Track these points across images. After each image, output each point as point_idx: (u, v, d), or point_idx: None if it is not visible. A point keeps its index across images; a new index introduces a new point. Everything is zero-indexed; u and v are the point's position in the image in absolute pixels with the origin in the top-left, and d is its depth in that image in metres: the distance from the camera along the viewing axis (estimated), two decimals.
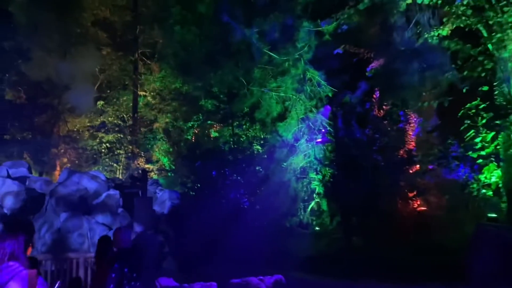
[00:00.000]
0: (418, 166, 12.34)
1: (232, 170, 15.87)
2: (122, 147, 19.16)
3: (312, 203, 14.80)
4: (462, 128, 10.63)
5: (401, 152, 12.46)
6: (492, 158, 10.40)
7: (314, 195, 14.75)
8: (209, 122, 18.84)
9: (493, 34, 9.62)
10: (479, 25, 9.73)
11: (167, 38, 19.30)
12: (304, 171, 15.05)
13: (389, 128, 12.79)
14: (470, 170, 10.73)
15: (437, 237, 11.31)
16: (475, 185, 10.42)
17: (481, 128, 10.36)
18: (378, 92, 12.99)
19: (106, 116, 19.82)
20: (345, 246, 12.91)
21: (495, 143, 10.36)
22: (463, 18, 9.59)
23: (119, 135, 19.47)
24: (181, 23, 18.33)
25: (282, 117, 15.34)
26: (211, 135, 18.66)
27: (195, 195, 15.44)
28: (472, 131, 10.34)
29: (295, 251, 12.97)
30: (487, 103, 10.30)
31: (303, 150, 15.06)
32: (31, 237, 11.78)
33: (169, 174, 18.74)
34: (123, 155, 19.02)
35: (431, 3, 10.05)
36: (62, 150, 19.12)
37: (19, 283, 3.55)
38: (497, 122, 10.20)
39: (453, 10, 9.59)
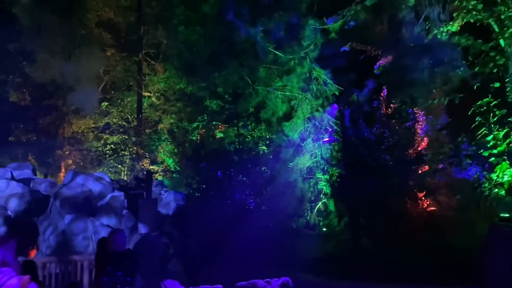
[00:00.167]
0: (427, 164, 12.08)
1: (237, 170, 15.74)
2: (127, 149, 19.07)
3: (319, 204, 14.62)
4: (473, 126, 10.38)
5: (410, 151, 12.22)
6: (504, 157, 10.15)
7: (321, 196, 14.57)
8: (214, 122, 18.72)
9: (505, 29, 9.39)
10: (490, 20, 9.49)
11: (171, 39, 19.23)
12: (311, 171, 14.87)
13: (397, 127, 12.56)
14: (481, 169, 10.48)
15: (447, 238, 11.08)
16: (486, 184, 10.17)
17: (492, 126, 10.12)
18: (386, 90, 12.77)
19: (110, 117, 19.76)
20: (353, 247, 12.72)
21: (508, 140, 10.12)
22: (474, 13, 9.36)
23: (123, 136, 19.39)
24: (185, 23, 18.27)
25: (288, 116, 15.17)
26: (216, 136, 18.54)
27: (200, 196, 15.31)
28: (484, 128, 10.08)
29: (302, 253, 12.81)
30: (499, 99, 10.05)
31: (309, 150, 14.88)
32: (35, 239, 11.71)
33: (174, 175, 18.62)
34: (128, 157, 18.93)
35: None
36: (67, 152, 19.07)
37: None
38: (509, 119, 9.96)
39: (463, 5, 9.36)
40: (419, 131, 12.27)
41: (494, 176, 10.08)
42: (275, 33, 14.66)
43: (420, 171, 11.99)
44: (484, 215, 10.50)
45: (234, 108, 17.15)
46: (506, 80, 9.94)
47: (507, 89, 10.01)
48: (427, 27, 10.48)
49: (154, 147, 19.52)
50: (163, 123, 19.99)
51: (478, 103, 10.20)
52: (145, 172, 15.54)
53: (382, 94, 12.92)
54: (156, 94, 20.45)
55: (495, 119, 10.02)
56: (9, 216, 11.60)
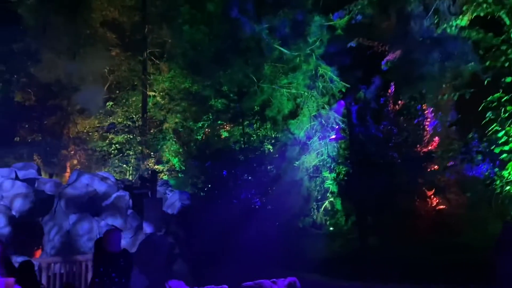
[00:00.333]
0: (436, 162, 11.85)
1: (243, 170, 15.64)
2: (132, 148, 19.01)
3: (326, 203, 14.45)
4: (484, 122, 10.13)
5: (419, 148, 11.99)
6: None
7: (328, 194, 14.40)
8: (219, 122, 18.64)
9: None
10: (501, 13, 9.25)
11: (176, 38, 19.19)
12: (317, 170, 14.70)
13: (405, 124, 12.34)
14: (492, 166, 10.24)
15: (458, 236, 10.88)
16: (498, 182, 9.93)
17: (504, 122, 9.86)
18: (393, 86, 12.54)
19: (115, 117, 19.72)
20: (360, 246, 12.53)
21: None
22: (484, 6, 9.12)
23: (128, 136, 19.34)
24: (190, 22, 18.22)
25: (293, 114, 15.01)
26: (222, 135, 18.44)
27: (205, 196, 15.23)
28: (495, 124, 9.82)
29: (308, 252, 12.67)
30: (511, 95, 9.79)
31: (315, 148, 14.71)
32: (40, 239, 11.62)
33: (179, 175, 18.54)
34: (133, 156, 18.88)
35: None
36: (72, 152, 19.06)
37: None
38: None
39: None
40: (428, 128, 12.03)
41: (505, 173, 9.84)
42: (280, 30, 14.50)
43: (430, 169, 11.76)
44: (496, 213, 10.28)
45: (239, 107, 17.05)
46: None
47: None
48: (436, 21, 10.25)
49: (159, 146, 19.45)
50: (168, 123, 19.92)
51: (489, 98, 9.93)
52: (150, 172, 15.46)
53: (389, 91, 12.70)
54: (161, 93, 20.39)
55: (507, 114, 9.76)
56: (13, 216, 11.56)
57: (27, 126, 18.47)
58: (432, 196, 11.84)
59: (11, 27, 17.33)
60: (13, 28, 17.57)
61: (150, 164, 18.79)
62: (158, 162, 19.36)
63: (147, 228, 12.07)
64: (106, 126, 19.67)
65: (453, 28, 9.57)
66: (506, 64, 9.62)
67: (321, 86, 14.40)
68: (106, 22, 20.80)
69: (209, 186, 15.54)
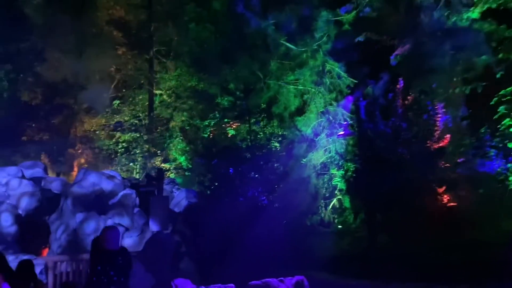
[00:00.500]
0: (447, 158, 11.60)
1: (249, 167, 15.55)
2: (139, 147, 19.01)
3: (334, 200, 14.27)
4: (496, 116, 9.88)
5: (429, 144, 11.75)
6: None
7: (336, 192, 14.22)
8: (225, 120, 18.56)
9: None
10: None
11: (182, 36, 19.17)
12: (325, 167, 14.52)
13: (415, 119, 12.10)
14: (505, 162, 9.99)
15: (469, 234, 10.64)
16: (511, 178, 9.68)
17: None
18: (402, 81, 12.30)
19: (122, 115, 19.72)
20: (369, 244, 12.35)
21: None
22: None
23: (135, 134, 19.34)
24: (196, 20, 18.21)
25: (300, 111, 14.85)
26: (228, 133, 18.36)
27: (212, 194, 15.16)
28: (508, 119, 9.58)
29: (316, 251, 12.53)
30: None
31: (323, 145, 14.53)
32: (47, 238, 11.58)
33: (186, 173, 18.50)
34: (140, 155, 18.87)
35: None
36: (79, 151, 19.10)
37: None
38: None
39: None
40: (438, 123, 11.77)
41: None
42: (286, 26, 14.34)
43: (440, 165, 11.49)
44: (509, 210, 10.02)
45: (245, 104, 16.96)
46: None
47: None
48: (446, 14, 10.00)
49: (166, 145, 19.42)
50: (175, 121, 19.88)
51: (501, 92, 9.69)
52: (156, 170, 15.42)
53: (398, 86, 12.45)
54: (168, 91, 20.34)
55: None
56: (20, 215, 11.56)
57: (34, 125, 18.52)
58: (443, 193, 11.60)
59: (17, 27, 17.39)
60: (20, 27, 17.62)
61: (157, 163, 18.76)
62: (165, 160, 19.33)
63: (154, 227, 12.01)
64: (113, 124, 19.66)
65: (464, 20, 9.33)
66: None
67: (328, 82, 14.21)
68: (112, 20, 20.77)
69: (216, 184, 15.47)
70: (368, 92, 13.29)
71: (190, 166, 18.48)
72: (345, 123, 14.10)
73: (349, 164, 13.65)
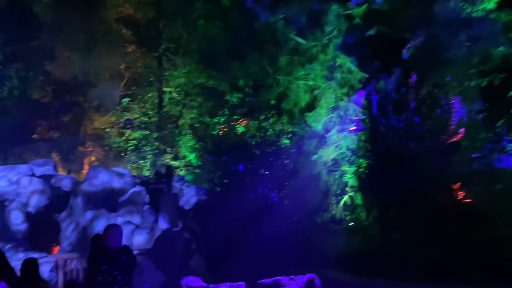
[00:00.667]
0: (462, 153, 11.29)
1: (259, 164, 15.44)
2: (148, 144, 18.99)
3: (345, 197, 14.04)
4: None
5: (443, 138, 11.43)
6: None
7: (347, 189, 13.98)
8: (235, 117, 18.44)
9: None
10: None
11: (191, 33, 19.07)
12: (336, 163, 14.28)
13: (428, 114, 11.79)
14: None
15: (486, 231, 10.35)
16: None
17: None
18: (415, 74, 11.99)
19: (132, 113, 19.71)
20: (382, 242, 12.13)
21: None
22: None
23: (145, 132, 19.33)
24: (204, 17, 18.13)
25: (311, 107, 14.61)
26: (237, 130, 18.24)
27: (222, 191, 15.08)
28: None
29: (327, 248, 12.36)
30: None
31: (334, 141, 14.30)
32: (57, 236, 11.55)
33: (196, 170, 18.43)
34: (150, 152, 18.84)
35: None
36: (90, 149, 19.17)
37: None
38: None
39: None
40: (453, 117, 11.44)
41: None
42: (296, 21, 14.12)
43: (455, 161, 11.17)
44: None
45: (255, 101, 16.81)
46: None
47: None
48: (461, 4, 9.67)
49: (176, 142, 19.37)
50: (184, 118, 19.82)
51: None
52: (165, 168, 15.36)
53: (411, 79, 12.13)
54: (177, 89, 20.26)
55: None
56: (30, 213, 11.58)
57: (44, 123, 18.61)
58: (458, 189, 11.29)
59: (27, 25, 17.46)
60: (29, 26, 17.69)
61: (166, 160, 18.72)
62: (175, 158, 19.28)
63: (163, 224, 11.96)
64: (122, 122, 19.68)
65: (480, 11, 9.03)
66: None
67: (339, 77, 13.95)
68: (122, 18, 20.76)
69: (225, 181, 15.40)
70: (380, 86, 13.00)
71: (200, 163, 18.42)
72: (357, 118, 13.83)
73: (361, 160, 13.41)
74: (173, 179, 13.85)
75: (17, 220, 11.18)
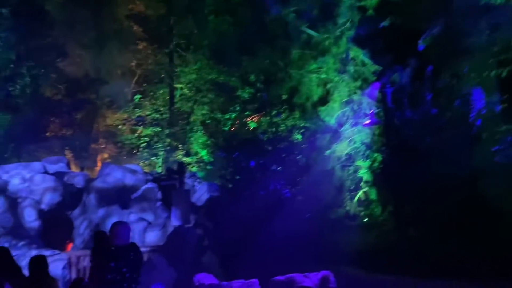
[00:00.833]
0: (481, 146, 10.93)
1: (271, 160, 15.32)
2: (160, 141, 19.02)
3: (360, 193, 13.78)
4: None
5: (461, 131, 11.09)
6: None
7: (361, 184, 13.72)
8: (246, 113, 18.31)
9: None
10: None
11: (201, 29, 18.98)
12: (350, 158, 14.02)
13: (446, 105, 11.45)
14: None
15: (505, 227, 10.02)
16: None
17: None
18: (431, 66, 11.65)
19: (143, 110, 19.77)
20: (397, 238, 11.86)
21: None
22: None
23: (157, 128, 19.36)
24: (215, 13, 18.03)
25: (323, 101, 14.34)
26: (249, 126, 18.12)
27: (234, 187, 15.00)
28: None
29: (341, 245, 12.14)
30: None
31: (347, 136, 14.01)
32: (71, 233, 11.58)
33: (207, 166, 18.38)
34: (162, 149, 18.87)
35: None
36: (102, 146, 19.28)
37: None
38: None
39: None
40: (471, 109, 11.08)
41: None
42: (307, 13, 13.86)
43: (473, 154, 10.82)
44: None
45: (266, 96, 16.66)
46: None
47: None
48: None
49: (187, 138, 19.36)
50: (196, 115, 19.78)
51: None
52: (177, 164, 15.33)
53: (427, 71, 11.77)
54: (188, 85, 20.23)
55: None
56: (43, 210, 11.64)
57: (57, 120, 18.77)
58: (477, 183, 10.95)
59: (38, 23, 17.57)
60: (41, 24, 17.81)
61: (178, 156, 18.72)
62: (187, 154, 19.28)
63: (176, 220, 11.93)
64: (134, 119, 19.75)
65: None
66: None
67: (352, 70, 13.65)
68: (132, 15, 20.82)
69: (237, 177, 15.32)
70: (395, 79, 12.67)
71: (212, 159, 18.37)
72: (371, 111, 13.52)
73: (375, 155, 13.12)
74: (185, 176, 13.81)
75: (30, 218, 11.25)
